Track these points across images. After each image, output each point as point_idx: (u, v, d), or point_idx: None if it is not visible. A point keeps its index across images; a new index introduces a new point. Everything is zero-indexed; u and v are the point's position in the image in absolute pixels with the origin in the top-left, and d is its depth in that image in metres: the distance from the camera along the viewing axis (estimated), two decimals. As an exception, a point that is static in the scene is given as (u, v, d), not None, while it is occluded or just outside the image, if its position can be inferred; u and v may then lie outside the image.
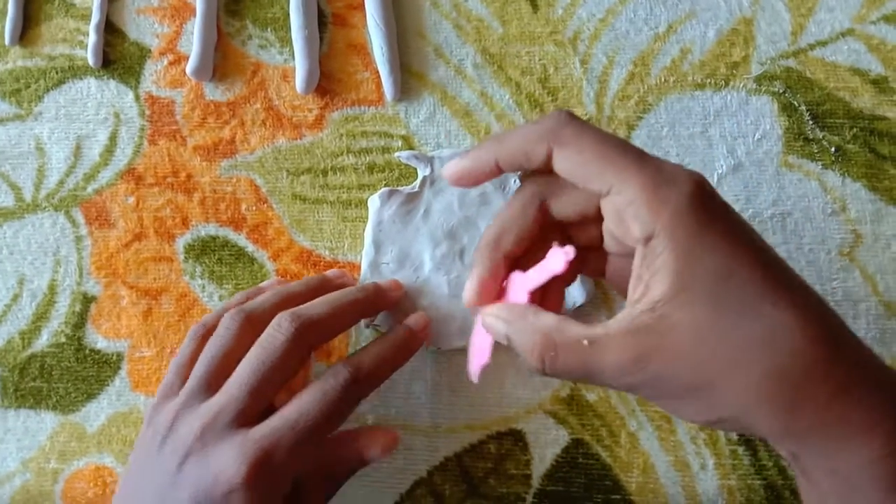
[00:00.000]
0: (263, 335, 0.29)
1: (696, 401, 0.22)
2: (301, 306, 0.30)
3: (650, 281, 0.22)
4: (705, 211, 0.22)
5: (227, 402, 0.27)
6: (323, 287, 0.33)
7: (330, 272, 0.34)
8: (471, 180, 0.26)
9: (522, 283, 0.24)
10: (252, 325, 0.30)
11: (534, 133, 0.24)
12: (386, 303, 0.33)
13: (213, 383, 0.29)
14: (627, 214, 0.22)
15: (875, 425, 0.21)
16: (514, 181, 0.35)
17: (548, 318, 0.23)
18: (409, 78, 0.38)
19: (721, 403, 0.22)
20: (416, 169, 0.36)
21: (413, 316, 0.33)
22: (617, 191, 0.22)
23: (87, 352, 0.36)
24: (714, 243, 0.21)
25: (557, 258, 0.23)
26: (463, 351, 0.34)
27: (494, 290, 0.26)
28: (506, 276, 0.26)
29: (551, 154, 0.24)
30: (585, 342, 0.22)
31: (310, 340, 0.29)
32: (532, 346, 0.23)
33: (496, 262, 0.26)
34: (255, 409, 0.28)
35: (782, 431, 0.22)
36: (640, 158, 0.23)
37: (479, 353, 0.26)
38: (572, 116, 0.24)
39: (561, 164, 0.24)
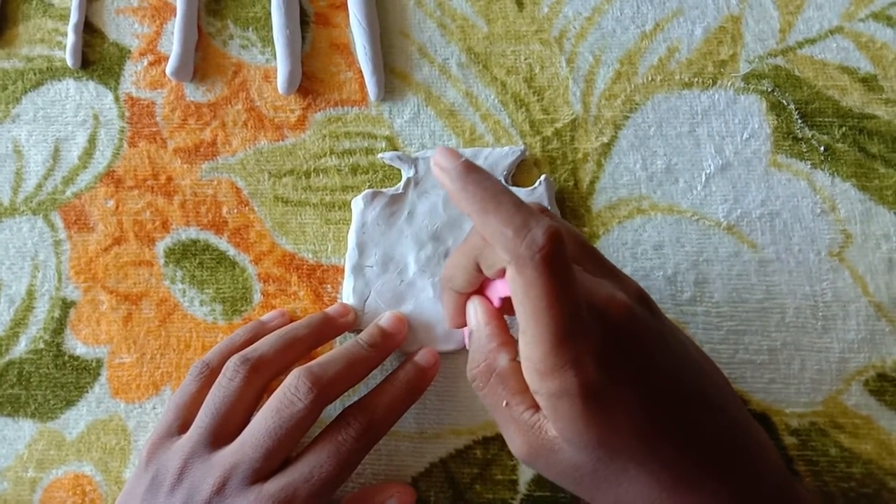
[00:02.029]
0: (282, 397, 0.28)
1: None
2: (317, 363, 0.30)
3: (545, 411, 0.24)
4: (606, 374, 0.23)
5: (242, 459, 0.28)
6: (327, 325, 0.32)
7: (332, 310, 0.33)
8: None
9: (495, 290, 0.27)
10: (258, 373, 0.30)
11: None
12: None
13: (219, 434, 0.29)
14: (525, 364, 0.24)
15: None
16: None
17: (503, 358, 0.26)
18: (392, 78, 0.37)
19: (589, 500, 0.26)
20: (400, 170, 0.36)
21: (422, 352, 0.32)
22: (523, 329, 0.23)
23: (66, 358, 0.35)
24: (600, 419, 0.23)
25: (503, 286, 0.25)
26: (448, 354, 0.34)
27: (463, 316, 0.29)
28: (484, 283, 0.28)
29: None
30: (504, 403, 0.25)
31: (328, 401, 0.29)
32: (475, 367, 0.27)
33: (455, 298, 0.29)
34: (270, 468, 0.28)
35: None
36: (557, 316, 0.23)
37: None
38: None
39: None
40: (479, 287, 0.28)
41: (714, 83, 0.36)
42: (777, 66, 0.36)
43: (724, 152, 0.35)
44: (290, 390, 0.29)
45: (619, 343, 0.24)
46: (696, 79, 0.36)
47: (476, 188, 0.23)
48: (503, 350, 0.26)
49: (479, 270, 0.26)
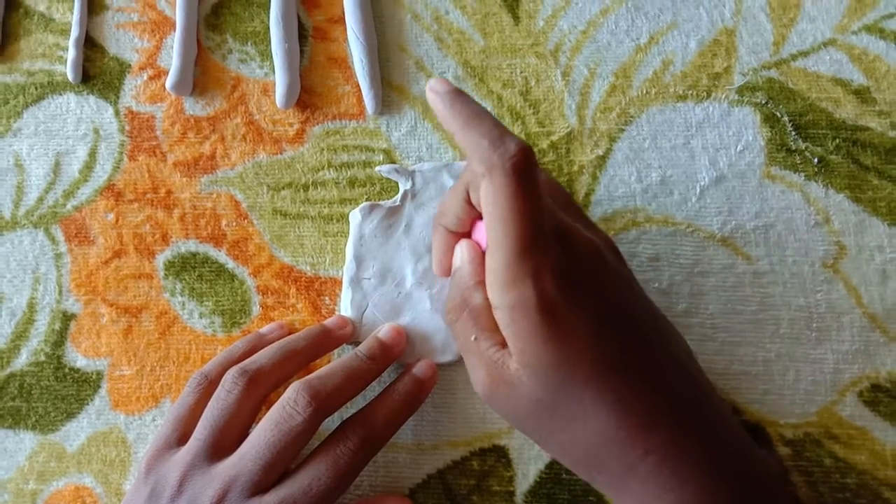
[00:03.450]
0: (281, 410, 0.29)
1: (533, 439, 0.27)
2: (317, 377, 0.30)
3: (504, 331, 0.25)
4: (564, 294, 0.24)
5: (242, 472, 0.28)
6: (325, 337, 0.33)
7: (330, 322, 0.34)
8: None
9: (482, 232, 0.28)
10: (256, 385, 0.30)
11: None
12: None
13: (218, 446, 0.29)
14: (489, 277, 0.25)
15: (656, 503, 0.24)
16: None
17: (478, 296, 0.27)
18: (389, 91, 0.37)
19: (548, 450, 0.27)
20: (397, 183, 0.36)
21: (419, 364, 0.32)
22: (490, 242, 0.25)
23: (66, 370, 0.35)
24: (555, 334, 0.24)
25: None
26: (446, 366, 0.34)
27: (449, 258, 0.30)
28: (473, 224, 0.29)
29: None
30: (473, 338, 0.26)
31: (327, 414, 0.29)
32: (451, 302, 0.28)
33: (445, 237, 0.30)
34: (269, 481, 0.28)
35: (587, 481, 0.27)
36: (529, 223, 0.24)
37: None
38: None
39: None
40: (468, 233, 0.30)
41: (708, 96, 0.36)
42: (771, 78, 0.36)
43: (719, 164, 0.35)
44: (290, 404, 0.29)
45: (580, 272, 0.25)
46: (690, 91, 0.36)
47: (462, 108, 0.25)
48: (480, 288, 0.27)
49: (469, 204, 0.28)
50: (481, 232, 0.29)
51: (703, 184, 0.35)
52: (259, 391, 0.30)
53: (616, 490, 0.25)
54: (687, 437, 0.24)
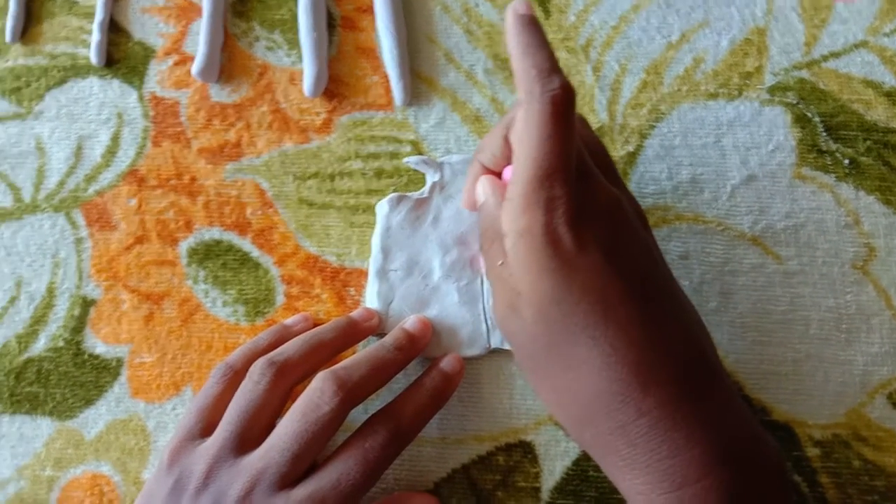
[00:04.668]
0: (308, 400, 0.28)
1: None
2: (343, 367, 0.29)
3: (511, 260, 0.25)
4: (573, 230, 0.24)
5: (269, 465, 0.27)
6: (352, 329, 0.32)
7: (356, 314, 0.33)
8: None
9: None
10: (284, 377, 0.30)
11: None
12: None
13: (245, 438, 0.29)
14: (506, 204, 0.25)
15: (643, 470, 0.24)
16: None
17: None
18: (418, 83, 0.37)
19: (540, 395, 0.27)
20: (424, 175, 0.36)
21: (447, 359, 0.32)
22: (514, 172, 0.25)
23: (85, 357, 0.35)
24: (556, 267, 0.24)
25: None
26: (472, 360, 0.33)
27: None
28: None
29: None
30: (500, 262, 0.26)
31: (354, 404, 0.29)
32: (482, 230, 0.28)
33: (478, 171, 0.30)
34: (296, 473, 0.28)
35: (575, 439, 0.26)
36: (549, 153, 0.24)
37: None
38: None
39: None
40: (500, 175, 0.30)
41: (739, 94, 0.36)
42: (802, 78, 0.36)
43: (750, 163, 0.35)
44: (317, 394, 0.29)
45: (595, 216, 0.25)
46: (721, 90, 0.36)
47: (528, 36, 0.25)
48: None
49: (507, 143, 0.28)
50: (508, 175, 0.29)
51: (733, 182, 0.35)
52: (287, 382, 0.30)
53: (602, 450, 0.25)
54: (684, 404, 0.24)
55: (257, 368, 0.30)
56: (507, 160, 0.29)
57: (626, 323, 0.24)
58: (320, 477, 0.28)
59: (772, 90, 0.36)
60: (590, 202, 0.25)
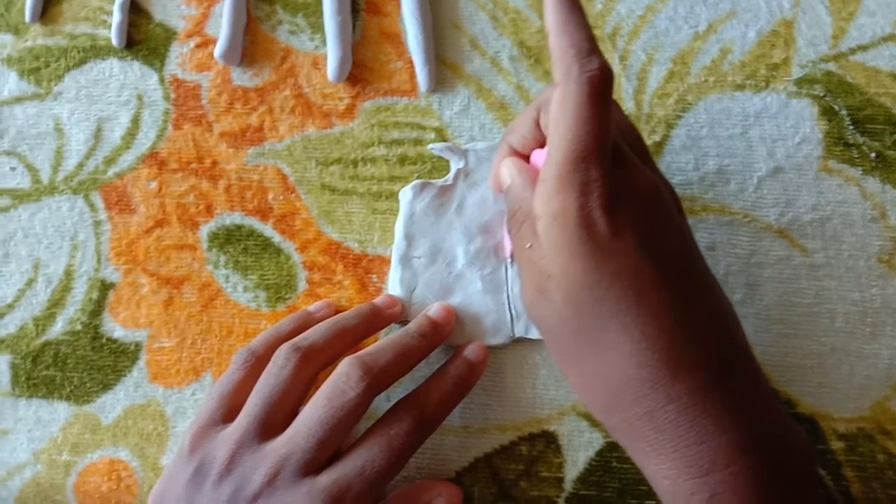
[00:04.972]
0: (333, 386, 0.28)
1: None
2: (368, 353, 0.29)
3: (543, 243, 0.25)
4: (608, 215, 0.24)
5: (294, 451, 0.27)
6: (375, 315, 0.32)
7: (379, 300, 0.33)
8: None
9: (543, 157, 0.27)
10: (309, 362, 0.29)
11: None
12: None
13: (269, 424, 0.28)
14: (539, 186, 0.25)
15: (670, 455, 0.24)
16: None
17: (531, 199, 0.26)
18: (443, 69, 0.37)
19: (568, 378, 0.26)
20: (448, 162, 0.35)
21: (470, 347, 0.32)
22: (549, 153, 0.25)
23: (103, 340, 0.34)
24: (589, 251, 0.24)
25: None
26: (495, 349, 0.33)
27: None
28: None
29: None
30: (528, 245, 0.26)
31: (379, 390, 0.29)
32: (511, 213, 0.28)
33: (506, 153, 0.30)
34: (321, 459, 0.27)
35: (603, 423, 0.26)
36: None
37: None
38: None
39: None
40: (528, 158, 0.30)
41: (766, 86, 0.36)
42: (829, 71, 0.36)
43: (776, 155, 0.35)
44: (342, 379, 0.28)
45: (631, 200, 0.24)
46: (748, 81, 0.36)
47: (567, 14, 0.25)
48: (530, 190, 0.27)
49: (537, 126, 0.28)
50: (538, 158, 0.29)
51: (760, 174, 0.35)
52: (311, 368, 0.30)
53: (629, 436, 0.25)
54: (713, 391, 0.23)
55: (282, 353, 0.29)
56: (537, 143, 0.29)
57: (657, 309, 0.24)
58: (345, 464, 0.27)
59: (799, 82, 0.36)
60: (625, 186, 0.25)
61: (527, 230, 0.26)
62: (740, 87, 0.36)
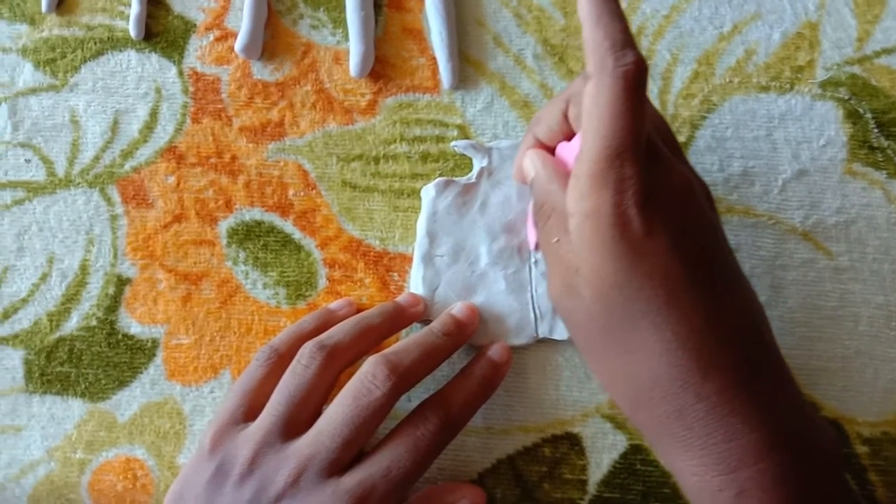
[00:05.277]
0: (359, 385, 0.28)
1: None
2: (393, 352, 0.29)
3: (574, 240, 0.25)
4: (643, 213, 0.23)
5: (318, 451, 0.27)
6: (399, 314, 0.32)
7: (402, 299, 0.33)
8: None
9: (569, 151, 0.28)
10: (334, 360, 0.29)
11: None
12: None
13: (293, 423, 0.28)
14: (571, 182, 0.25)
15: (698, 452, 0.24)
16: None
17: (562, 201, 0.26)
18: (466, 66, 0.36)
19: (596, 374, 0.27)
20: (471, 160, 0.35)
21: (494, 347, 0.31)
22: (581, 149, 0.24)
23: (119, 337, 0.34)
24: (622, 251, 0.23)
25: None
26: (518, 349, 0.33)
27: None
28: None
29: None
30: (556, 240, 0.26)
31: (405, 389, 0.28)
32: (537, 206, 0.28)
33: (532, 144, 0.29)
34: (346, 460, 0.27)
35: (629, 419, 0.26)
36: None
37: (534, 222, 0.31)
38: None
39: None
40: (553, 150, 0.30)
41: (791, 88, 0.36)
42: (854, 74, 0.36)
43: (801, 158, 0.35)
44: (368, 378, 0.28)
45: (666, 198, 0.24)
46: (773, 83, 0.36)
47: (604, 5, 0.24)
48: (563, 191, 0.26)
49: (565, 119, 0.27)
50: (564, 151, 0.28)
51: (785, 176, 0.35)
52: (336, 367, 0.29)
53: (657, 432, 0.25)
54: (743, 390, 0.23)
55: (307, 351, 0.29)
56: (564, 135, 0.29)
57: (689, 310, 0.24)
58: (370, 464, 0.27)
59: (823, 85, 0.36)
60: (660, 183, 0.24)
61: (554, 224, 0.26)
62: (765, 88, 0.36)
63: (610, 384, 0.26)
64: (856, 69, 0.36)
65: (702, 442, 0.23)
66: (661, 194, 0.24)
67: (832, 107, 0.36)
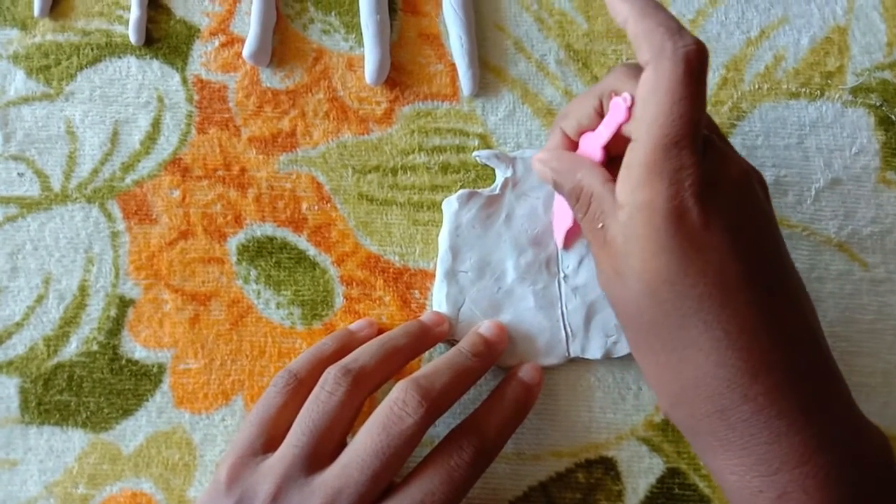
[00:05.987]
0: (389, 412, 0.26)
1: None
2: (423, 375, 0.27)
3: (625, 233, 0.24)
4: (700, 204, 0.22)
5: (347, 483, 0.25)
6: (424, 334, 0.30)
7: (426, 318, 0.31)
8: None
9: (595, 140, 0.27)
10: (360, 386, 0.27)
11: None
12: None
13: (317, 455, 0.26)
14: (623, 172, 0.23)
15: (738, 452, 0.23)
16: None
17: (597, 182, 0.25)
18: (485, 73, 0.35)
19: (639, 362, 0.25)
20: (493, 171, 0.33)
21: (525, 368, 0.30)
22: (635, 138, 0.23)
23: (123, 362, 0.32)
24: (676, 246, 0.22)
25: (618, 108, 0.25)
26: (549, 370, 0.31)
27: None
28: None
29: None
30: (600, 225, 0.25)
31: (437, 416, 0.27)
32: (570, 191, 0.26)
33: (559, 136, 0.29)
34: (376, 493, 0.25)
35: (666, 412, 0.25)
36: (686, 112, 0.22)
37: (560, 219, 0.30)
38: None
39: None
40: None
41: (821, 94, 0.35)
42: (885, 80, 0.35)
43: (833, 166, 0.34)
44: (398, 405, 0.26)
45: (724, 189, 0.23)
46: (803, 89, 0.35)
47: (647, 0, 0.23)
48: (595, 172, 0.25)
49: (598, 114, 0.27)
50: (587, 143, 0.27)
51: (818, 186, 0.34)
52: (362, 393, 0.27)
53: (696, 430, 0.24)
54: (790, 393, 0.23)
55: (331, 377, 0.27)
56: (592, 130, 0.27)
57: (742, 309, 0.23)
58: (402, 497, 0.25)
59: (854, 91, 0.35)
60: (718, 174, 0.23)
61: (596, 209, 0.25)
62: (795, 95, 0.35)
63: (654, 378, 0.25)
64: (886, 74, 0.35)
65: (743, 442, 0.23)
66: (718, 185, 0.23)
67: (863, 113, 0.34)
